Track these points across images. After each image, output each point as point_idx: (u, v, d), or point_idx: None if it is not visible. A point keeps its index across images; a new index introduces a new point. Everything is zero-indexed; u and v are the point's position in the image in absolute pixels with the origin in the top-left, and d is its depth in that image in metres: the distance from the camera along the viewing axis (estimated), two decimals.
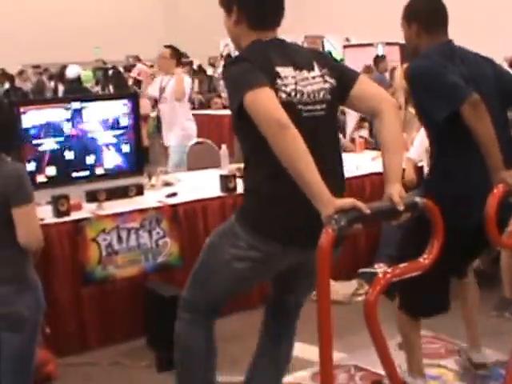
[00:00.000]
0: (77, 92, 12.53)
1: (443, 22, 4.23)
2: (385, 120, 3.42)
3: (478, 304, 4.78)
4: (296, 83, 3.39)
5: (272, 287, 3.98)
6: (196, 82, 20.19)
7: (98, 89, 18.91)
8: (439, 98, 3.93)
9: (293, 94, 3.37)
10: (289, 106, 3.28)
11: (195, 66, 21.98)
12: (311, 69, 3.47)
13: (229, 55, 20.13)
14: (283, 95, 3.33)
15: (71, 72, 13.99)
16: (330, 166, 3.42)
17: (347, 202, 3.02)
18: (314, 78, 3.46)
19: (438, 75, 3.95)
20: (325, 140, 3.46)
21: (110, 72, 19.60)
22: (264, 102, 3.17)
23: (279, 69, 3.37)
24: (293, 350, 4.10)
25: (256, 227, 3.45)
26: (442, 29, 4.23)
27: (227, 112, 16.48)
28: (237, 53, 3.62)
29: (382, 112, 3.44)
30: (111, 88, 17.35)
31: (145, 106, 16.21)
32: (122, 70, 19.79)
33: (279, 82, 3.34)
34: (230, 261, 3.56)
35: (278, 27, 3.58)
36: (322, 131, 3.44)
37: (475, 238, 3.99)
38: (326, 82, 3.48)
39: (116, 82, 17.02)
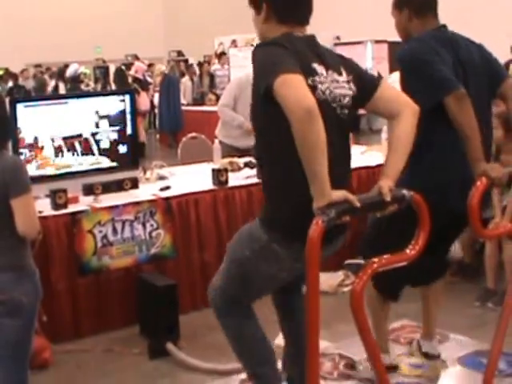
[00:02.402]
0: (76, 90, 12.51)
1: (433, 5, 4.18)
2: (401, 122, 3.35)
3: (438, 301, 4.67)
4: (330, 82, 3.29)
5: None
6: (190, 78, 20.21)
7: (94, 86, 18.88)
8: (426, 86, 3.87)
9: (327, 92, 3.26)
10: (322, 102, 3.16)
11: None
12: (340, 73, 3.37)
13: (222, 53, 20.07)
14: (320, 93, 3.22)
15: (70, 71, 13.99)
16: (342, 169, 3.36)
17: (340, 194, 2.99)
18: (342, 82, 3.36)
19: (429, 62, 3.89)
20: (342, 142, 3.40)
21: (114, 70, 19.67)
22: (295, 86, 3.01)
23: (315, 65, 3.26)
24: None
25: (291, 238, 3.28)
26: (433, 13, 4.17)
27: None
28: None
29: (401, 115, 3.36)
30: (113, 85, 17.34)
31: (144, 102, 16.24)
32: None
33: (316, 78, 3.23)
34: (275, 274, 3.47)
35: (307, 24, 3.45)
36: (341, 134, 3.37)
37: (451, 224, 3.93)
38: (350, 88, 3.38)
39: (120, 80, 17.02)
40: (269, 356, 3.77)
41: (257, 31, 3.51)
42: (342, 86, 3.35)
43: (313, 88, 3.15)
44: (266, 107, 3.19)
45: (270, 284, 3.62)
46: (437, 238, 3.67)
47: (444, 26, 4.17)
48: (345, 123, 3.39)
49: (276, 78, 3.01)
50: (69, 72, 13.68)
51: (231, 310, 3.69)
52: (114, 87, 17.66)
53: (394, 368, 4.36)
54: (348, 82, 3.38)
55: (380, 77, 3.57)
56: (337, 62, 3.41)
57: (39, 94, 18.43)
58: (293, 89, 3.00)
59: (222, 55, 19.69)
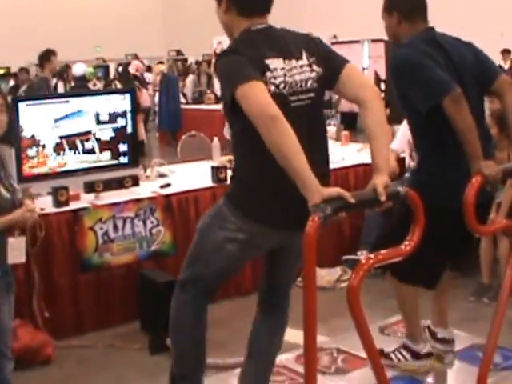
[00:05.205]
0: (82, 89, 12.53)
1: (422, 10, 4.17)
2: (370, 109, 3.36)
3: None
4: (285, 75, 3.32)
5: (264, 263, 3.87)
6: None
7: (100, 86, 18.86)
8: (423, 89, 3.87)
9: (281, 85, 3.30)
10: (278, 97, 3.22)
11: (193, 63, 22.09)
12: (299, 57, 3.39)
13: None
14: (272, 87, 3.26)
15: (78, 70, 13.95)
16: (317, 155, 3.36)
17: (333, 191, 2.98)
18: (301, 66, 3.38)
19: (422, 66, 3.88)
20: (312, 128, 3.41)
21: (120, 69, 19.60)
22: (255, 95, 3.11)
23: (268, 61, 3.29)
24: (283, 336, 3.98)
25: (243, 211, 3.41)
26: (422, 16, 4.16)
27: (219, 107, 16.49)
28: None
29: (367, 101, 3.37)
30: (117, 84, 17.35)
31: (145, 99, 16.23)
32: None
33: (269, 74, 3.27)
34: (222, 243, 3.49)
35: (269, 13, 3.49)
36: (309, 119, 3.39)
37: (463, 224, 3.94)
38: (312, 70, 3.40)
39: (125, 78, 17.01)
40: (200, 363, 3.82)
41: (221, 24, 3.56)
42: (302, 71, 3.39)
43: (265, 84, 3.22)
44: (235, 115, 3.27)
45: (219, 257, 3.54)
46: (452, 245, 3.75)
47: (432, 28, 4.17)
48: (309, 109, 3.41)
49: (237, 88, 3.12)
50: (78, 71, 13.66)
51: (185, 287, 3.69)
52: (117, 85, 17.69)
53: (431, 355, 4.38)
54: (309, 64, 3.41)
55: (347, 60, 3.53)
56: (297, 46, 3.43)
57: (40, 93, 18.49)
58: (253, 99, 3.11)
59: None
